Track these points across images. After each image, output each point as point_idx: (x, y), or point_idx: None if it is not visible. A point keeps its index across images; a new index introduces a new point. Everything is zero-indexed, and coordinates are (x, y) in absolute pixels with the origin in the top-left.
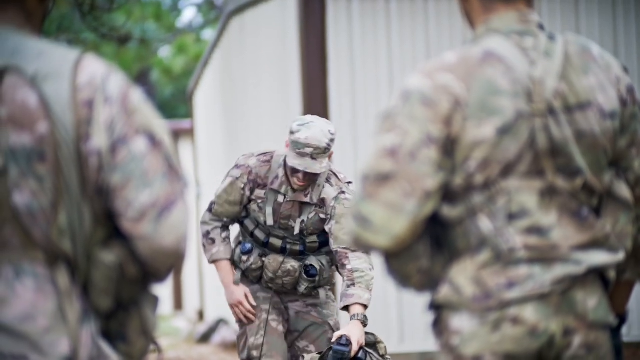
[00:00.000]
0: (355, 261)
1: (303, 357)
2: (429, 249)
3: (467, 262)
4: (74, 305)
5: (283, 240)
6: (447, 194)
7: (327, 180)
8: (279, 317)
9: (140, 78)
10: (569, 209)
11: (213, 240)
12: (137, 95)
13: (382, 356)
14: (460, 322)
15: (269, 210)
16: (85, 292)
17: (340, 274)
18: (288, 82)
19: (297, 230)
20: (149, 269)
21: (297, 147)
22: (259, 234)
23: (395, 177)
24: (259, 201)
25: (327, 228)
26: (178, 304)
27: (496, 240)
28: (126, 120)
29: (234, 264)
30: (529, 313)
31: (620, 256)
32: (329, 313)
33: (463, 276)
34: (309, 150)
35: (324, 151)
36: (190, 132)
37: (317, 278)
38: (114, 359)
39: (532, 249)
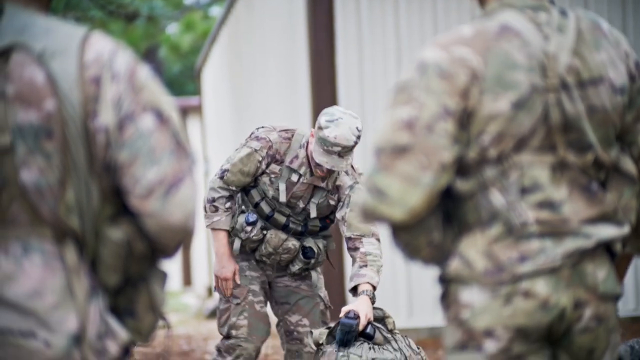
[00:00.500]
0: (369, 246)
1: (311, 332)
2: (440, 222)
3: (478, 235)
4: (81, 282)
5: (287, 217)
6: (460, 168)
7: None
8: (264, 299)
9: (148, 55)
10: (579, 184)
11: (216, 208)
12: (144, 72)
13: (391, 331)
14: (471, 296)
15: (282, 186)
16: (93, 269)
17: (352, 256)
18: (295, 58)
19: (313, 214)
20: (157, 245)
21: (325, 144)
22: (265, 207)
23: (412, 150)
24: (272, 176)
25: (338, 215)
26: (187, 280)
27: (508, 215)
28: (133, 97)
29: (233, 233)
30: (541, 287)
31: (626, 230)
32: (319, 286)
33: (474, 250)
34: (337, 149)
35: (351, 149)
36: (198, 109)
37: (312, 261)
38: (123, 335)
39: (544, 223)
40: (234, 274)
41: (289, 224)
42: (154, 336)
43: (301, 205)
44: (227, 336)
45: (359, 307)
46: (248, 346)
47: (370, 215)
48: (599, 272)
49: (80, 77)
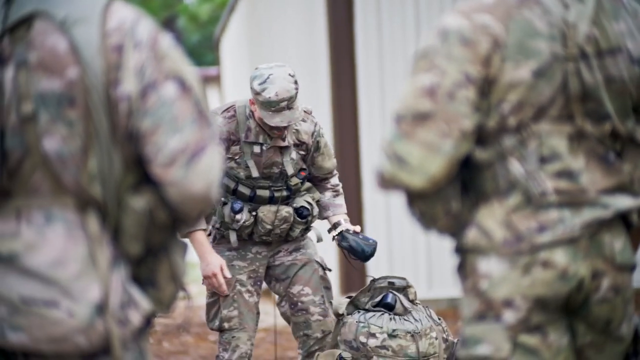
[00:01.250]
0: (336, 179)
1: (331, 303)
2: (458, 191)
3: (496, 205)
4: (104, 251)
5: (269, 189)
6: (479, 137)
7: None
8: (254, 287)
9: (167, 25)
10: (597, 154)
11: None
12: (166, 41)
13: (412, 301)
14: (489, 266)
15: (250, 163)
16: (115, 238)
17: (321, 186)
18: (314, 27)
19: (290, 172)
20: (178, 214)
21: (271, 105)
22: (243, 190)
23: (433, 117)
24: (236, 157)
25: (308, 161)
26: None
27: (527, 184)
28: (156, 66)
29: (224, 227)
30: (559, 257)
31: None
32: (313, 252)
33: (492, 220)
34: (283, 104)
35: (296, 96)
36: (217, 79)
37: (309, 218)
38: (145, 304)
39: (563, 192)
40: (221, 268)
41: (274, 195)
42: (174, 307)
43: (276, 170)
44: (220, 329)
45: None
46: (242, 335)
47: (389, 182)
48: (616, 243)
49: (103, 45)
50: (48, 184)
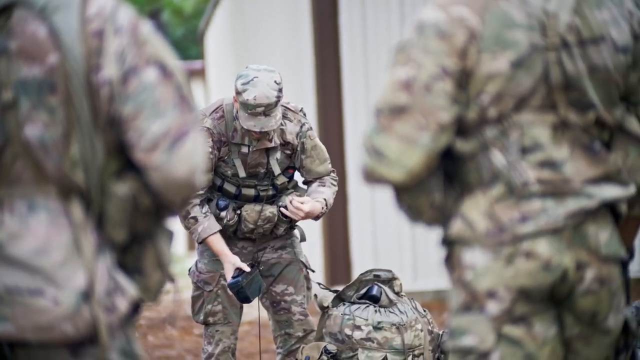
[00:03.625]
0: (328, 179)
1: (316, 296)
2: (441, 183)
3: (480, 196)
4: (88, 238)
5: (255, 188)
6: (460, 128)
7: (285, 117)
8: None
9: (151, 19)
10: (581, 143)
11: (195, 219)
12: (146, 27)
13: (397, 293)
14: (473, 257)
15: (237, 162)
16: (100, 225)
17: (308, 186)
18: (299, 20)
19: (277, 171)
20: (162, 200)
21: (248, 108)
22: (229, 187)
23: (410, 110)
24: (224, 157)
25: (296, 163)
26: (192, 244)
27: (509, 175)
28: (137, 51)
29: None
30: (542, 247)
31: (631, 190)
32: (298, 251)
33: (475, 211)
34: (260, 109)
35: (275, 105)
36: (201, 73)
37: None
38: (132, 291)
39: (545, 182)
40: (236, 265)
41: (259, 193)
42: (161, 295)
43: (262, 170)
44: (205, 323)
45: (305, 200)
46: (225, 329)
47: (369, 176)
48: (601, 234)
49: (83, 30)
50: (30, 173)
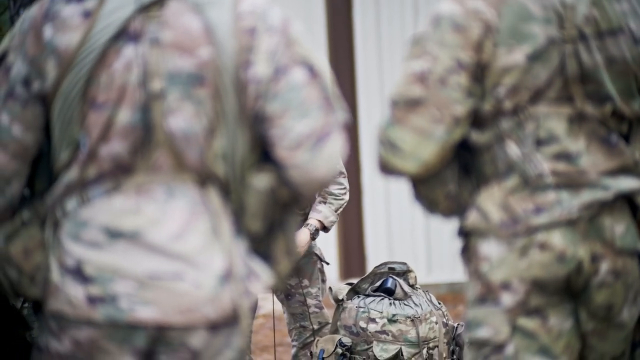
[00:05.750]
0: (333, 185)
1: (330, 289)
2: (456, 174)
3: (495, 188)
4: (226, 225)
5: None
6: (476, 120)
7: None
8: None
9: None
10: (598, 135)
11: None
12: (297, 27)
13: (412, 286)
14: (489, 248)
15: None
16: (238, 216)
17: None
18: (313, 17)
19: None
20: (297, 194)
21: None
22: None
23: (425, 103)
24: None
25: None
26: None
27: (524, 166)
28: (286, 50)
29: None
30: (557, 239)
31: None
32: (313, 243)
33: (491, 202)
34: None
35: None
36: None
37: (306, 210)
38: (265, 277)
39: (560, 174)
40: None
41: None
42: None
43: None
44: None
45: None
46: None
47: (384, 168)
48: (617, 226)
49: (236, 26)
50: (170, 161)
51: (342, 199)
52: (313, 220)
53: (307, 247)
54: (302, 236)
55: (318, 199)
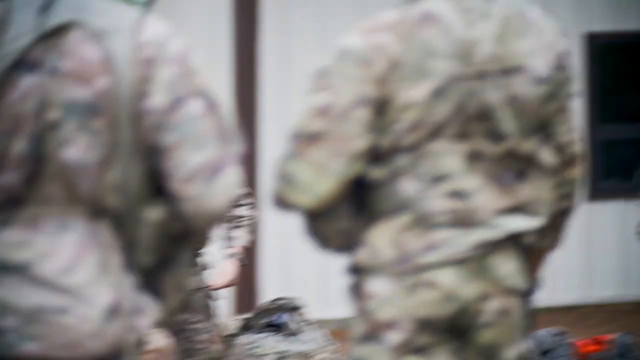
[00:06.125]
0: (240, 209)
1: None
2: (350, 210)
3: (387, 224)
4: (116, 259)
5: None
6: (374, 155)
7: None
8: None
9: None
10: (493, 174)
11: None
12: (197, 57)
13: (304, 321)
14: (377, 286)
15: None
16: (129, 249)
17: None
18: (218, 46)
19: None
20: (191, 227)
21: None
22: None
23: (325, 137)
24: None
25: None
26: None
27: (418, 203)
28: (184, 81)
29: None
30: (446, 277)
31: (539, 222)
32: (204, 278)
33: (382, 238)
34: None
35: None
36: None
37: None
38: (153, 312)
39: (453, 212)
40: None
41: None
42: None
43: None
44: None
45: (224, 269)
46: None
47: (279, 202)
48: (506, 266)
49: (135, 56)
50: (62, 193)
51: (252, 217)
52: (237, 249)
53: (233, 277)
54: (228, 267)
55: (231, 225)
